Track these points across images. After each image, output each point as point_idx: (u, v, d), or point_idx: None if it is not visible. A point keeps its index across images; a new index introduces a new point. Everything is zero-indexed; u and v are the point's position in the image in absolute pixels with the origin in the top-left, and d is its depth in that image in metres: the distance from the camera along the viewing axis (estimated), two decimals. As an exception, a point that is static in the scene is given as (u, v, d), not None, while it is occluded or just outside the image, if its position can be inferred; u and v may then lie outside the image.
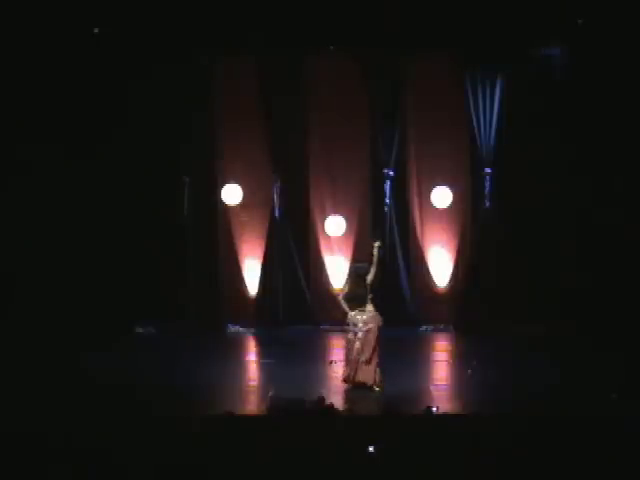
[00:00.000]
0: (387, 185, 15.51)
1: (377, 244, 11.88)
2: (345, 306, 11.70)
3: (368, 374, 11.49)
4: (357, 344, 11.54)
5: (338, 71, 15.43)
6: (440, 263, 15.69)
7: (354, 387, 11.53)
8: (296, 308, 15.69)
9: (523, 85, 14.86)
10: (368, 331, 11.55)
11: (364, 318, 11.60)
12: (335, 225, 15.66)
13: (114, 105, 14.81)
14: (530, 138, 14.79)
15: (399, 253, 15.57)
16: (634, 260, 14.49)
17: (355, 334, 11.57)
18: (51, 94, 14.57)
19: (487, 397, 11.05)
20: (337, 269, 15.73)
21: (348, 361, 11.66)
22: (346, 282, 12.30)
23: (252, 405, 11.16)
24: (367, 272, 11.63)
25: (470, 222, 15.61)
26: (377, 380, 11.50)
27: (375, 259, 11.69)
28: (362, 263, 11.90)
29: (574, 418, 8.40)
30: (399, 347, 12.13)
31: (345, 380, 11.65)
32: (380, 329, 11.62)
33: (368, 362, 11.50)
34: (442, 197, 15.52)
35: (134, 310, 15.24)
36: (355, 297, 11.66)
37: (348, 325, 11.70)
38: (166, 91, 14.91)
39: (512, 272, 15.01)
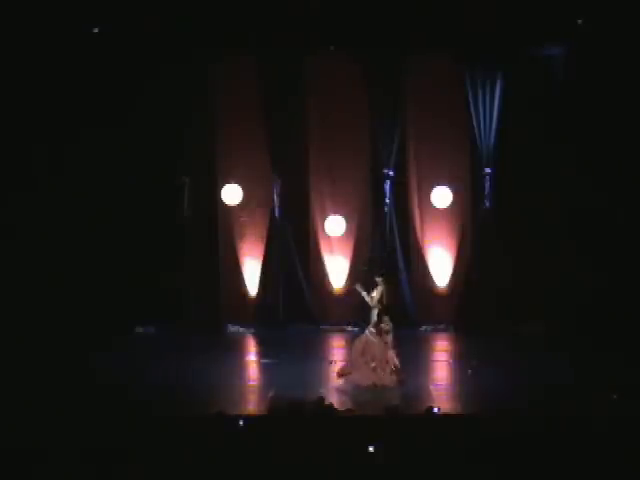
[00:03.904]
0: (387, 185, 15.50)
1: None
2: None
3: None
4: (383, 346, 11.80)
5: (338, 71, 15.43)
6: (440, 263, 15.69)
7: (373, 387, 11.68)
8: (296, 308, 15.69)
9: (523, 85, 14.85)
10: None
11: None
12: (335, 225, 15.65)
13: (114, 105, 14.81)
14: (530, 138, 14.80)
15: (399, 253, 15.56)
16: (634, 260, 14.50)
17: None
18: (50, 94, 14.57)
19: (487, 397, 11.05)
20: (337, 269, 15.73)
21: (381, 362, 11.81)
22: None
23: (252, 405, 11.16)
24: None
25: (470, 222, 15.61)
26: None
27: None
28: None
29: (574, 418, 8.39)
30: (399, 347, 12.11)
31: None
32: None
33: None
34: (442, 197, 15.52)
35: (134, 310, 15.25)
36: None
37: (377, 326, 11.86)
38: (166, 91, 14.91)
39: (512, 272, 15.01)
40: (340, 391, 11.56)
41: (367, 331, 11.92)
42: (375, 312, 11.85)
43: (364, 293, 11.95)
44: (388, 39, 14.61)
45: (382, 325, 11.82)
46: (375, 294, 11.85)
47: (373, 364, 11.70)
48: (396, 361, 11.76)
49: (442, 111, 15.38)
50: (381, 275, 11.95)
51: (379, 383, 11.63)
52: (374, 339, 11.80)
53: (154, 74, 14.85)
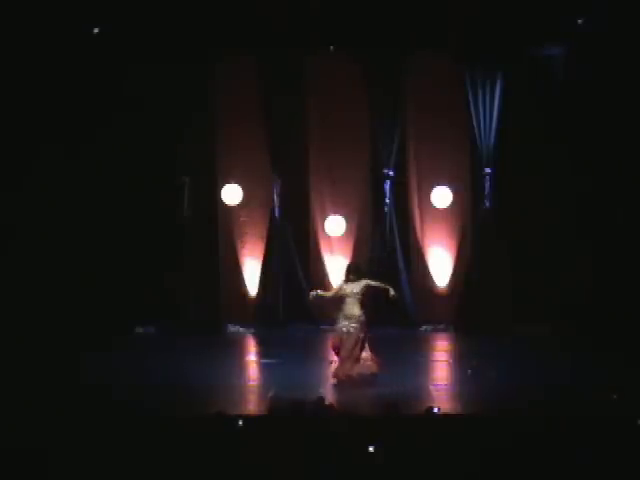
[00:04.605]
0: (387, 185, 15.51)
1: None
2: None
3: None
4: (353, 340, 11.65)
5: (338, 71, 15.43)
6: (440, 263, 15.70)
7: (353, 385, 11.56)
8: (296, 308, 15.67)
9: (523, 85, 14.86)
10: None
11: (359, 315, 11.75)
12: (335, 225, 15.65)
13: (114, 105, 14.82)
14: (530, 138, 14.80)
15: (399, 253, 15.56)
16: (634, 260, 14.50)
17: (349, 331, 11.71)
18: (51, 94, 14.58)
19: (487, 397, 11.04)
20: (337, 269, 15.71)
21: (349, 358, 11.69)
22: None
23: (252, 405, 11.16)
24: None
25: (470, 222, 15.62)
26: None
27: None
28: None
29: (574, 418, 8.39)
30: (399, 347, 12.12)
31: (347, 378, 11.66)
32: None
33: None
34: (442, 197, 15.52)
35: (134, 310, 15.25)
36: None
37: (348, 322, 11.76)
38: (166, 91, 14.91)
39: (512, 272, 15.01)
40: (340, 391, 11.55)
41: (344, 328, 11.80)
42: (350, 305, 11.75)
43: (321, 292, 12.02)
44: (388, 39, 14.62)
45: (357, 315, 11.72)
46: (348, 287, 11.74)
47: (350, 356, 11.63)
48: (362, 352, 11.65)
49: (442, 111, 15.39)
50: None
51: (360, 373, 11.56)
52: (350, 331, 11.72)
53: (154, 74, 14.84)
